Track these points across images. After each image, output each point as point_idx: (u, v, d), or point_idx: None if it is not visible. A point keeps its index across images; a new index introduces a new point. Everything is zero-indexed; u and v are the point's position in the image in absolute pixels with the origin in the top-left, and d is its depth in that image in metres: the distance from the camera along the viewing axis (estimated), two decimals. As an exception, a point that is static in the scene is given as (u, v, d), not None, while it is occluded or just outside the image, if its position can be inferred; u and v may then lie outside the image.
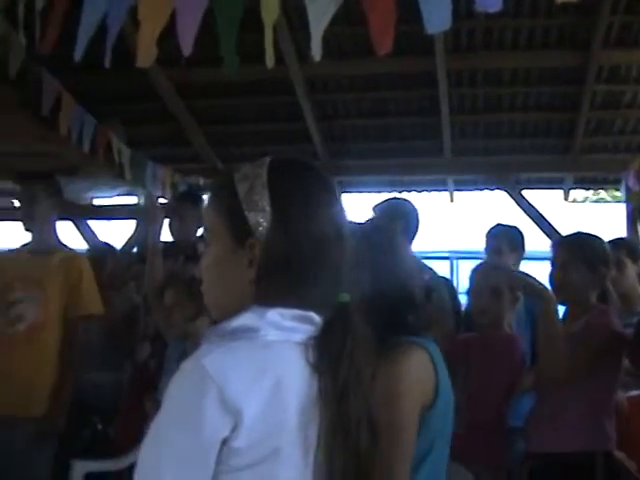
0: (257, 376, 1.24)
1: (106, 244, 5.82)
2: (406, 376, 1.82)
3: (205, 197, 4.54)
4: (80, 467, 3.95)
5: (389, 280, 1.91)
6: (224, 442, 1.21)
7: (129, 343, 4.92)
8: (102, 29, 3.51)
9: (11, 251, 4.30)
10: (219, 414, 1.19)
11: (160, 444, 1.23)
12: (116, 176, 6.64)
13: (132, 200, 8.28)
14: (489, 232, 4.67)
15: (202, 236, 4.86)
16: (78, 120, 5.40)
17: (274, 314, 1.30)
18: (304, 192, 1.38)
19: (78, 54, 3.47)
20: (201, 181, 7.61)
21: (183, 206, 4.85)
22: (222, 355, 1.25)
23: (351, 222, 1.88)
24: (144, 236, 4.59)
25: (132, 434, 4.01)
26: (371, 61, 5.75)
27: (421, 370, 1.85)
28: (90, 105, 5.68)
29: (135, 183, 6.77)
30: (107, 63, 3.39)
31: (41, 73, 4.88)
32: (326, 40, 3.03)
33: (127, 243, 5.02)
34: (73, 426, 4.11)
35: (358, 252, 1.85)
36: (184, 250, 4.46)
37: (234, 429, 1.20)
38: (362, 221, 2.06)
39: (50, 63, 4.63)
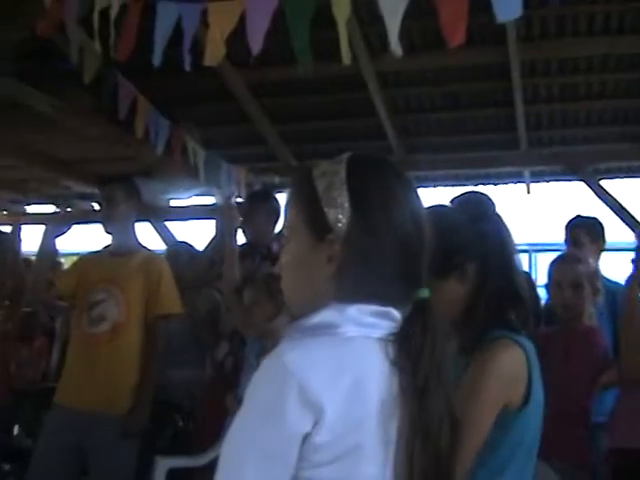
0: (338, 372, 1.24)
1: (184, 243, 5.88)
2: (493, 373, 1.78)
3: (279, 195, 4.58)
4: (163, 463, 4.02)
5: (500, 273, 1.88)
6: (306, 438, 1.21)
7: (211, 341, 4.98)
8: (175, 33, 3.57)
9: (93, 253, 4.38)
10: (300, 410, 1.20)
11: (242, 441, 1.24)
12: (191, 177, 6.73)
13: (208, 200, 8.39)
14: (568, 224, 4.59)
15: (278, 235, 4.89)
16: (154, 123, 5.49)
17: (354, 310, 1.30)
18: (382, 188, 1.38)
19: (157, 59, 3.54)
20: (276, 179, 7.66)
21: (256, 205, 4.88)
22: (303, 352, 1.26)
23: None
24: (221, 236, 4.63)
25: (213, 431, 4.08)
26: (442, 54, 5.70)
27: (512, 369, 1.81)
28: (165, 108, 5.76)
29: (210, 183, 6.85)
30: (187, 66, 3.45)
31: (116, 78, 4.98)
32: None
33: (210, 243, 5.07)
34: (156, 423, 4.18)
35: (466, 244, 1.84)
36: (259, 249, 4.49)
37: (315, 425, 1.20)
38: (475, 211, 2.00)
39: (124, 68, 4.70)
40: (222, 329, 4.90)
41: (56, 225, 4.13)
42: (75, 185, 8.88)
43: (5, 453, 5.24)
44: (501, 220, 1.96)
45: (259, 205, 4.86)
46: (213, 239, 4.86)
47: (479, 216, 1.95)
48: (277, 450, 1.21)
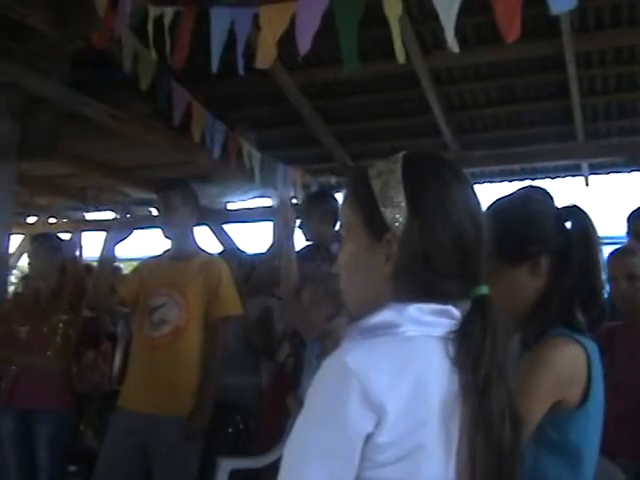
0: (399, 372, 1.23)
1: (233, 250, 5.89)
2: (547, 369, 1.73)
3: (336, 196, 4.59)
4: (226, 464, 4.05)
5: (580, 272, 1.83)
6: (368, 438, 1.21)
7: (264, 345, 4.99)
8: (227, 37, 3.60)
9: (153, 258, 4.43)
10: (362, 410, 1.20)
11: (304, 442, 1.24)
12: (248, 180, 6.77)
13: (265, 202, 8.44)
14: (630, 216, 4.52)
15: (336, 235, 4.89)
16: (209, 127, 5.54)
17: (413, 309, 1.29)
18: (439, 186, 1.37)
19: (215, 65, 3.58)
20: (332, 180, 7.68)
21: (314, 206, 4.88)
22: (364, 352, 1.25)
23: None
24: (279, 238, 4.64)
25: (274, 431, 4.10)
26: (496, 48, 5.66)
27: (568, 367, 1.76)
28: (219, 112, 5.81)
29: (266, 186, 6.89)
30: (241, 70, 3.48)
31: (170, 85, 5.04)
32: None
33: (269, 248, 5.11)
34: (218, 425, 4.21)
35: (545, 236, 1.82)
36: (320, 251, 4.49)
37: (377, 425, 1.20)
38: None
39: (178, 74, 4.76)
40: (284, 331, 4.91)
41: (117, 231, 4.18)
42: (133, 191, 9.01)
43: (72, 454, 5.33)
44: (588, 217, 1.89)
45: (317, 206, 4.87)
46: (272, 244, 4.87)
47: (565, 210, 1.90)
48: (339, 451, 1.21)
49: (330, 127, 7.34)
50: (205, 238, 8.98)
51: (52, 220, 10.78)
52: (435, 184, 1.37)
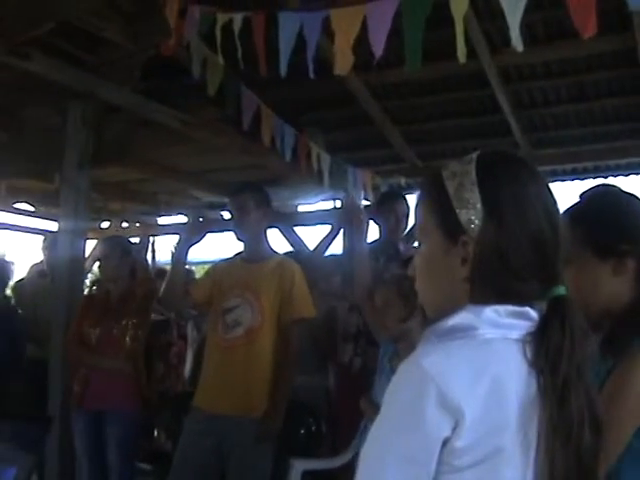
0: (476, 375, 1.22)
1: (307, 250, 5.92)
2: (634, 388, 1.66)
3: (406, 197, 4.57)
4: (299, 465, 4.08)
5: None
6: (445, 442, 1.20)
7: (329, 345, 5.00)
8: (295, 41, 3.63)
9: (226, 261, 4.48)
10: (440, 414, 1.19)
11: (381, 445, 1.24)
12: (318, 182, 6.80)
13: (335, 205, 8.46)
14: None
15: (406, 236, 4.88)
16: (279, 131, 5.58)
17: (490, 311, 1.28)
18: (514, 186, 1.35)
19: (283, 69, 3.60)
20: (402, 181, 7.65)
21: (387, 207, 4.89)
22: (441, 355, 1.25)
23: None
24: (350, 240, 4.66)
25: (346, 433, 4.11)
26: (566, 44, 5.58)
27: None
28: (288, 115, 5.84)
29: (336, 188, 6.90)
30: (312, 74, 3.49)
31: (239, 89, 5.08)
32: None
33: (319, 245, 5.13)
34: (290, 426, 4.24)
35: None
36: (386, 250, 4.49)
37: (455, 429, 1.20)
38: None
39: (247, 78, 4.80)
40: (346, 330, 4.91)
41: (189, 235, 4.24)
42: (204, 195, 9.11)
43: (146, 455, 5.42)
44: None
45: (390, 206, 4.87)
46: (322, 241, 4.87)
47: None
48: (416, 454, 1.21)
49: (399, 128, 7.32)
50: (276, 240, 9.05)
51: (125, 225, 10.96)
52: (510, 184, 1.35)
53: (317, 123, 6.81)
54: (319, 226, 8.72)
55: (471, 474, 1.22)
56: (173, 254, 4.29)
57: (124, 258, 5.04)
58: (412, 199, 8.40)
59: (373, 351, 4.48)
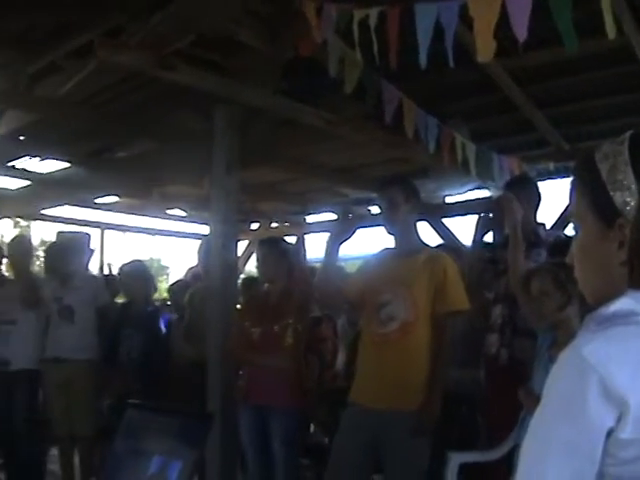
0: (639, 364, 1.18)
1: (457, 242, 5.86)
2: None
3: (535, 182, 4.44)
4: (456, 458, 4.04)
5: None
6: (610, 433, 1.16)
7: (480, 336, 4.93)
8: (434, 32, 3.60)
9: (376, 255, 4.49)
10: (603, 405, 1.16)
11: (544, 437, 1.21)
12: (463, 172, 6.72)
13: (483, 194, 8.34)
14: None
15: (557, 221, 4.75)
16: (422, 122, 5.54)
17: None
18: None
19: (423, 61, 3.59)
20: (551, 166, 7.47)
21: (516, 192, 4.72)
22: (602, 343, 1.21)
23: None
24: (498, 229, 4.58)
25: (502, 425, 4.04)
26: None
27: None
28: (430, 106, 5.80)
29: (483, 177, 6.80)
30: (451, 63, 3.47)
31: (379, 83, 5.08)
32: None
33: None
34: (446, 418, 4.21)
35: None
36: (526, 236, 4.37)
37: (619, 420, 1.16)
38: None
39: (386, 72, 4.79)
40: (492, 322, 4.83)
41: (339, 232, 4.27)
42: (351, 191, 9.18)
43: (303, 449, 5.51)
44: None
45: (519, 192, 4.71)
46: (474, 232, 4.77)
47: None
48: (580, 445, 1.18)
49: (543, 111, 7.13)
50: (425, 233, 9.00)
51: (274, 225, 11.17)
52: None
53: (459, 112, 6.73)
54: (468, 216, 8.61)
55: (638, 467, 1.17)
56: (325, 252, 4.34)
57: (282, 258, 5.14)
58: (562, 183, 8.21)
59: (519, 342, 4.41)
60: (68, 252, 6.67)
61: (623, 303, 1.24)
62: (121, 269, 6.86)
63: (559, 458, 1.18)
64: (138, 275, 6.50)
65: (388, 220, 4.27)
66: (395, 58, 3.75)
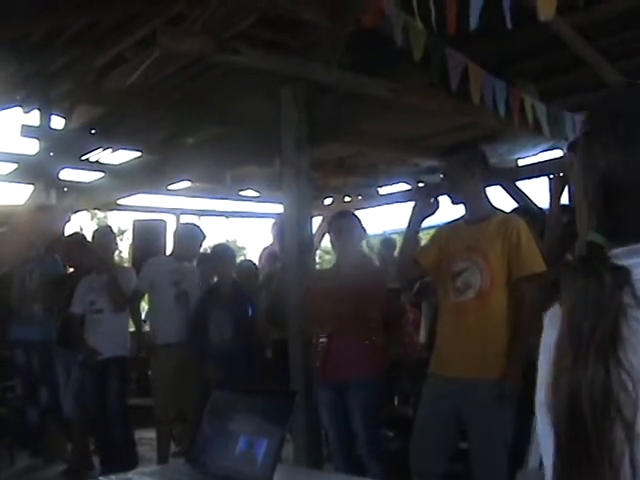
0: None
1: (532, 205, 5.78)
2: None
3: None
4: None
5: None
6: None
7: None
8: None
9: (449, 223, 4.45)
10: None
11: None
12: (536, 134, 6.61)
13: (557, 154, 8.18)
14: None
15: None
16: (489, 87, 5.46)
17: None
18: None
19: (474, 22, 3.54)
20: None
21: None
22: None
23: None
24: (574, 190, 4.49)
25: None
26: None
27: None
28: (497, 69, 5.71)
29: (556, 137, 6.67)
30: (509, 24, 3.41)
31: (444, 50, 5.02)
32: None
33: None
34: (528, 385, 4.16)
35: None
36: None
37: None
38: None
39: (451, 38, 4.74)
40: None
41: (423, 206, 4.26)
42: (422, 161, 9.13)
43: (388, 421, 5.54)
44: None
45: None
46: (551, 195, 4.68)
47: None
48: None
49: (615, 65, 6.95)
50: (499, 198, 8.90)
51: (347, 199, 11.19)
52: None
53: (527, 73, 6.61)
54: (542, 178, 8.47)
55: None
56: (407, 225, 4.34)
57: (355, 231, 5.16)
58: None
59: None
60: (195, 238, 6.81)
61: None
62: (211, 252, 6.99)
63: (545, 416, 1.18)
64: (226, 258, 6.59)
65: (452, 191, 4.24)
66: (453, 23, 3.70)
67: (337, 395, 4.95)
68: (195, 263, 7.05)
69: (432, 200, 4.27)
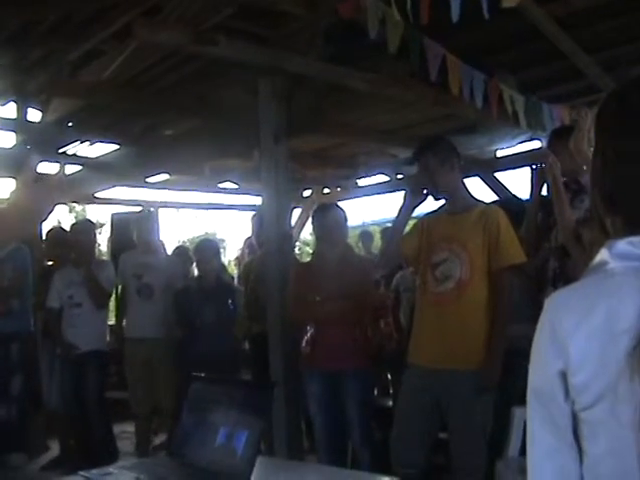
0: (587, 311, 1.15)
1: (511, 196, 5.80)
2: None
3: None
4: (520, 413, 4.02)
5: None
6: (565, 377, 1.18)
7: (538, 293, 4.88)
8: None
9: (430, 213, 4.45)
10: (552, 349, 1.19)
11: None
12: (514, 125, 6.62)
13: (536, 145, 8.21)
14: None
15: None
16: (467, 78, 5.46)
17: (623, 244, 1.21)
18: None
19: (455, 14, 3.55)
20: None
21: (558, 140, 4.59)
22: (562, 292, 1.26)
23: None
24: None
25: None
26: None
27: None
28: (474, 60, 5.71)
29: (533, 128, 6.69)
30: (485, 14, 3.42)
31: (422, 41, 5.02)
32: None
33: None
34: (508, 376, 4.18)
35: None
36: (568, 185, 4.28)
37: (566, 364, 1.17)
38: None
39: (428, 29, 4.73)
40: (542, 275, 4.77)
41: (413, 196, 4.26)
42: (401, 152, 9.12)
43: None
44: None
45: (562, 140, 4.59)
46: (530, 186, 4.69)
47: None
48: (541, 388, 1.23)
49: (593, 56, 6.96)
50: (478, 189, 8.92)
51: (326, 190, 11.17)
52: None
53: (505, 64, 6.62)
54: (520, 169, 8.50)
55: (594, 412, 1.15)
56: (396, 216, 4.34)
57: (340, 222, 5.16)
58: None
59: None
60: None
61: (600, 254, 1.24)
62: (194, 246, 6.99)
63: (532, 401, 1.27)
64: (209, 251, 6.59)
65: (429, 184, 4.23)
66: (427, 13, 3.70)
67: (328, 385, 4.94)
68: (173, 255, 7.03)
69: (422, 189, 4.27)
